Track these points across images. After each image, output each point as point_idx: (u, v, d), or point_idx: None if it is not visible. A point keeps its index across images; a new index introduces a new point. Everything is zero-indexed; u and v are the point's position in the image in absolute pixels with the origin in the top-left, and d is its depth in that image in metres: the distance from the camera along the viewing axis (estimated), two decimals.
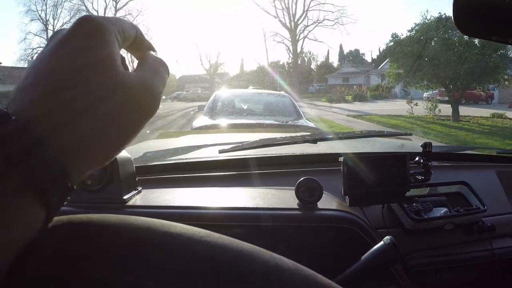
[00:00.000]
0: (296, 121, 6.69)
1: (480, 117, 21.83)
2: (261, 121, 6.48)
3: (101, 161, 0.42)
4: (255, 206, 1.01)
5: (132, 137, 0.44)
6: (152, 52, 0.51)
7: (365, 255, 0.95)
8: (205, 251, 0.41)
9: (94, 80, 0.39)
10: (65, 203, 0.93)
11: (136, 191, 1.05)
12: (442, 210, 1.47)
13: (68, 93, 0.38)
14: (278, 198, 1.11)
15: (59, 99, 0.38)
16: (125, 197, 0.99)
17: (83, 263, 0.40)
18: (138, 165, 1.08)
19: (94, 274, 0.39)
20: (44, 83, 0.39)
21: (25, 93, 0.38)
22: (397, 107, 28.17)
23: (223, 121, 6.39)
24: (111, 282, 0.39)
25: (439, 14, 21.99)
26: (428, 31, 21.55)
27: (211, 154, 2.00)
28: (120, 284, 0.38)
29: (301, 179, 1.04)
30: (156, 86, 0.46)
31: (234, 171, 1.58)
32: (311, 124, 6.60)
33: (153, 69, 0.48)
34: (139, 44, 0.50)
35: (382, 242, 0.95)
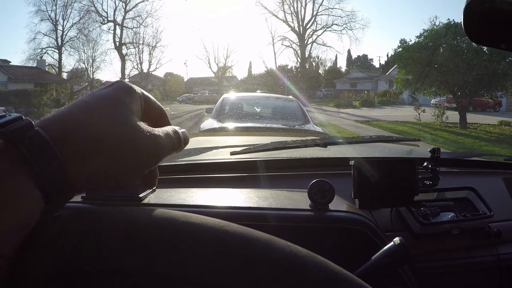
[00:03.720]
0: (303, 126, 6.69)
1: (488, 124, 21.75)
2: (268, 125, 6.48)
3: (99, 180, 0.48)
4: (268, 206, 1.03)
5: (129, 174, 0.51)
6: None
7: (376, 255, 0.97)
8: (225, 239, 0.43)
9: (109, 115, 0.48)
10: (80, 199, 0.95)
11: (151, 190, 1.06)
12: (449, 215, 1.49)
13: (84, 114, 0.46)
14: (290, 199, 1.12)
15: (75, 116, 0.46)
16: (140, 195, 1.00)
17: (106, 252, 0.42)
18: None
19: (118, 263, 0.41)
20: (70, 107, 0.48)
21: (55, 113, 0.47)
22: (405, 113, 28.12)
23: (231, 124, 6.40)
24: (138, 270, 0.41)
25: (448, 21, 21.94)
26: (436, 37, 21.49)
27: (222, 156, 2.02)
28: (146, 272, 0.41)
29: (314, 180, 1.06)
30: (161, 142, 0.52)
31: (246, 173, 1.60)
32: (318, 129, 6.61)
33: (165, 131, 0.54)
34: (161, 118, 0.58)
35: (392, 243, 0.97)
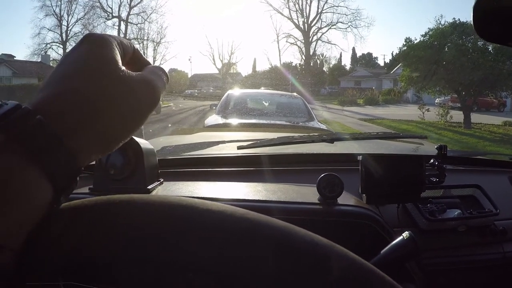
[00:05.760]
0: (307, 123, 6.68)
1: (492, 124, 21.67)
2: (273, 122, 6.48)
3: (105, 148, 0.48)
4: (277, 200, 1.03)
5: (134, 128, 0.50)
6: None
7: (385, 248, 0.97)
8: (245, 227, 0.43)
9: (99, 75, 0.46)
10: (87, 191, 0.95)
11: (159, 182, 1.07)
12: (456, 212, 1.49)
13: (75, 82, 0.45)
14: (298, 193, 1.13)
15: (67, 88, 0.45)
16: (148, 187, 1.00)
17: (121, 241, 0.41)
18: (158, 158, 1.11)
19: (133, 252, 0.41)
20: (57, 80, 0.46)
21: (41, 90, 0.45)
22: (409, 112, 28.05)
23: (235, 121, 6.40)
24: (155, 259, 0.41)
25: (453, 19, 21.87)
26: (442, 36, 21.42)
27: (228, 150, 2.02)
28: (164, 261, 0.40)
29: (323, 174, 1.06)
30: (155, 83, 0.52)
31: (253, 167, 1.61)
32: (322, 126, 6.59)
33: (152, 71, 0.54)
34: (137, 59, 0.56)
35: (401, 237, 0.97)
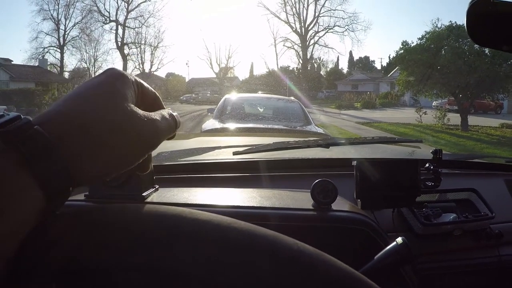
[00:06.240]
0: (305, 127, 6.69)
1: (489, 127, 21.72)
2: (270, 126, 6.48)
3: (100, 174, 0.48)
4: (271, 206, 1.03)
5: (129, 162, 0.50)
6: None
7: (378, 254, 0.97)
8: (232, 236, 0.43)
9: (103, 102, 0.48)
10: (83, 198, 0.94)
11: (154, 189, 1.06)
12: (451, 216, 1.49)
13: (80, 103, 0.47)
14: (292, 199, 1.13)
15: (71, 107, 0.46)
16: (144, 194, 1.00)
17: (112, 249, 0.42)
18: (154, 164, 1.10)
19: (123, 259, 0.41)
20: (63, 100, 0.48)
21: (51, 108, 0.47)
22: (406, 115, 28.08)
23: (233, 125, 6.40)
24: (143, 267, 0.41)
25: (450, 23, 21.93)
26: (438, 39, 21.46)
27: (224, 156, 2.02)
28: (152, 269, 0.41)
29: (317, 180, 1.06)
30: (159, 125, 0.53)
31: (248, 173, 1.61)
32: (320, 130, 6.61)
33: (160, 114, 0.54)
34: (157, 105, 0.58)
35: (394, 242, 0.97)
